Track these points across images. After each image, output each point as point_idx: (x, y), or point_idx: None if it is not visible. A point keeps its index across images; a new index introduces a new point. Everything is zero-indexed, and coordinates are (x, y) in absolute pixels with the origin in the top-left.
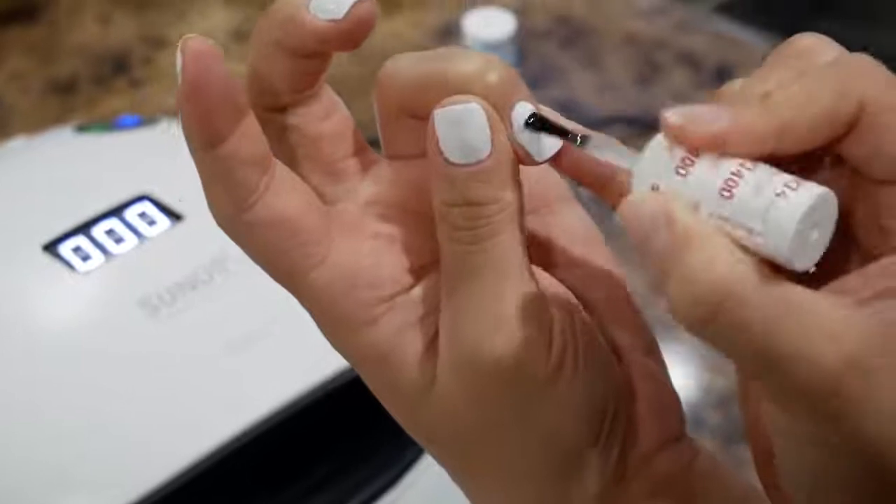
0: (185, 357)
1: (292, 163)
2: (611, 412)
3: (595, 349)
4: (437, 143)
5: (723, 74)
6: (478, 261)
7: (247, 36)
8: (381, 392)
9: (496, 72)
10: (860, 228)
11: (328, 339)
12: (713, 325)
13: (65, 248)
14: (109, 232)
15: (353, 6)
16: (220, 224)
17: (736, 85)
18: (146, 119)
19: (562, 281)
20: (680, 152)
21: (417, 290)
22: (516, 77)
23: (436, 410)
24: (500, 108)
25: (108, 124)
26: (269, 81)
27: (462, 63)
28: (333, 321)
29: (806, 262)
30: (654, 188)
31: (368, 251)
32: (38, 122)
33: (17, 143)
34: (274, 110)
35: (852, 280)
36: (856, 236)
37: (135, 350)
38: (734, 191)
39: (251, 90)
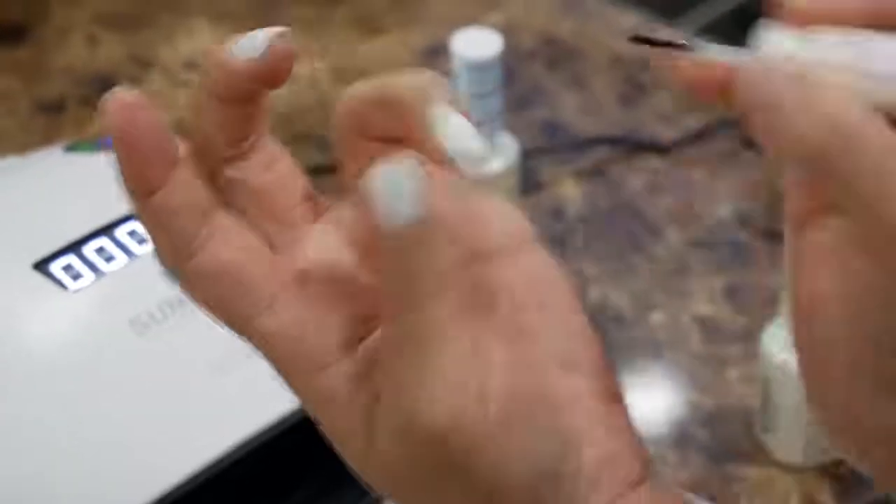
0: (175, 375)
1: (240, 214)
2: (555, 467)
3: (539, 408)
4: (375, 205)
5: None
6: (414, 325)
7: None
8: (329, 437)
9: (425, 75)
10: None
11: (284, 382)
12: (829, 160)
13: (55, 267)
14: (100, 250)
15: (270, 44)
16: (167, 275)
17: None
18: None
19: (519, 329)
20: (797, 36)
21: (365, 344)
22: (441, 80)
23: (377, 466)
24: (428, 111)
25: (97, 144)
26: (208, 134)
27: (400, 77)
28: (282, 368)
29: None
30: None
31: (317, 302)
32: (25, 143)
33: (7, 163)
34: (216, 164)
35: None
36: None
37: (124, 368)
38: (863, 55)
39: (194, 145)
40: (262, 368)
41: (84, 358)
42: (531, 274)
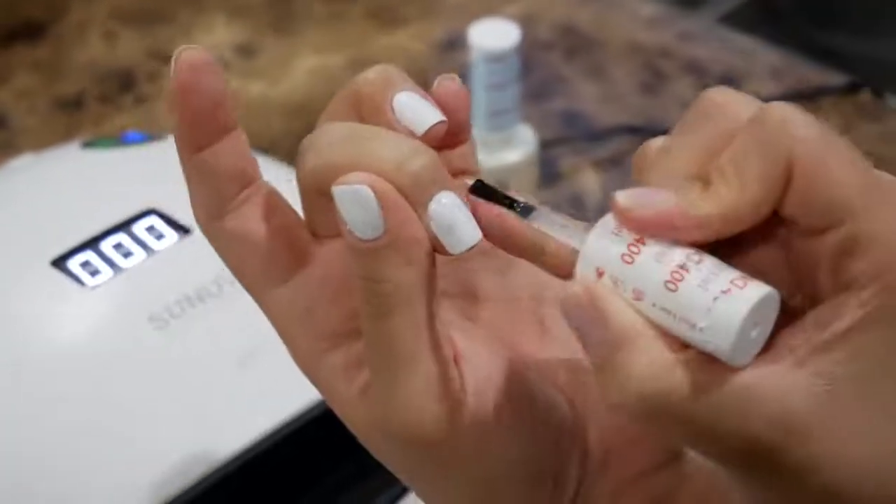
0: (194, 370)
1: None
2: (553, 462)
3: (527, 408)
4: (340, 214)
5: (727, 83)
6: (378, 337)
7: (252, 51)
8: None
9: (417, 161)
10: (800, 280)
11: (291, 356)
12: (648, 425)
13: (73, 263)
14: (118, 246)
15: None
16: (198, 225)
17: (656, 144)
18: (152, 135)
19: (500, 327)
20: (628, 235)
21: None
22: (438, 166)
23: (378, 450)
24: (417, 198)
25: (115, 140)
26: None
27: (381, 149)
28: (287, 341)
29: (745, 358)
30: (599, 273)
31: (331, 288)
32: (44, 140)
33: (25, 160)
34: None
35: (793, 335)
36: (798, 289)
37: (144, 363)
38: (679, 284)
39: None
40: (281, 362)
41: (103, 354)
42: (525, 279)
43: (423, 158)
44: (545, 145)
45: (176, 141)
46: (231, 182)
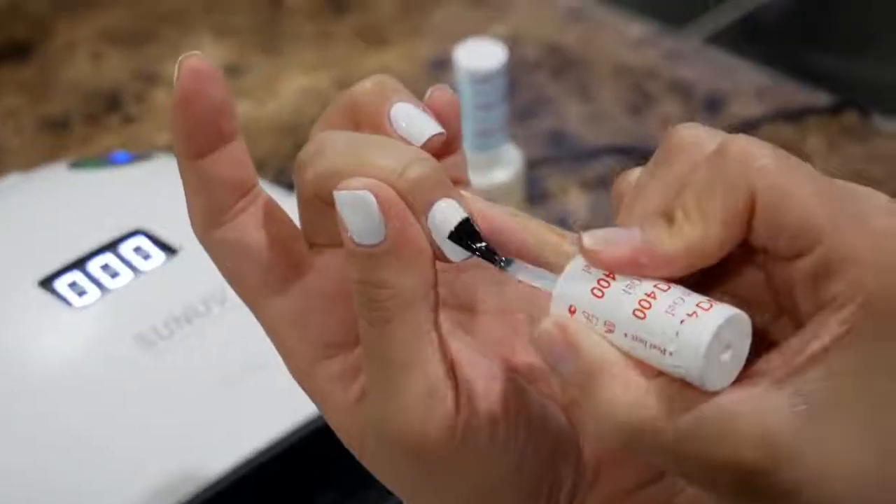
0: (182, 390)
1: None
2: (547, 473)
3: (523, 419)
4: (341, 219)
5: (713, 103)
6: (376, 343)
7: (239, 71)
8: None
9: (417, 168)
10: (778, 304)
11: (285, 366)
12: (628, 452)
13: (60, 284)
14: (105, 267)
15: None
16: (195, 233)
17: (633, 175)
18: (138, 155)
19: (495, 338)
20: (598, 273)
21: (359, 350)
22: (439, 172)
23: (369, 460)
24: (418, 205)
25: (102, 160)
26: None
27: (381, 156)
28: (283, 351)
29: (719, 382)
30: (572, 310)
31: (327, 298)
32: (31, 160)
33: (12, 180)
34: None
35: (772, 359)
36: (776, 313)
37: (131, 384)
38: (647, 312)
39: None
40: (269, 382)
41: (90, 375)
42: (518, 287)
43: (424, 165)
44: (531, 165)
45: (175, 148)
46: (230, 191)
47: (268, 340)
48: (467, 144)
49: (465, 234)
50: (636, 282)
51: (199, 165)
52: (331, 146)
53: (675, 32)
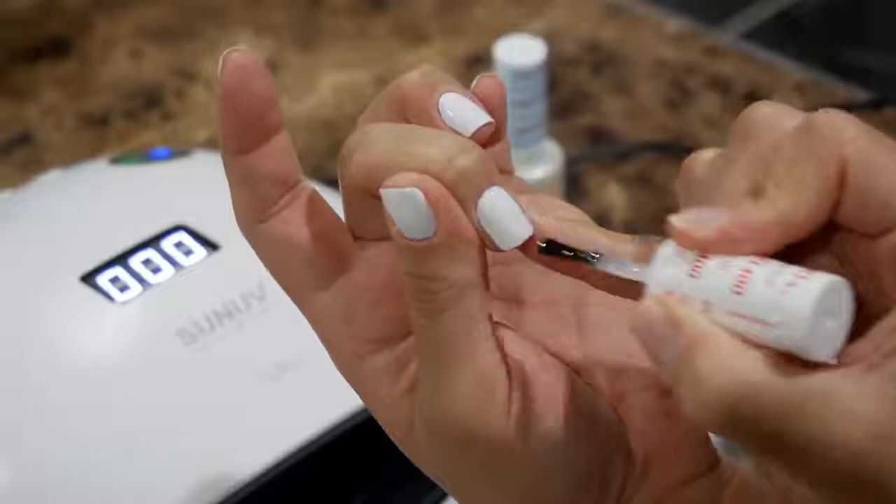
0: (223, 385)
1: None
2: (597, 467)
3: (572, 411)
4: (389, 216)
5: (752, 98)
6: (430, 333)
7: (277, 67)
8: (378, 420)
9: (465, 158)
10: (864, 288)
11: (331, 359)
12: (729, 427)
13: (102, 279)
14: (146, 262)
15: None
16: (240, 228)
17: (704, 157)
18: (178, 151)
19: (542, 331)
20: (690, 256)
21: (408, 341)
22: (487, 162)
23: (418, 452)
24: (466, 195)
25: (142, 156)
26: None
27: (428, 147)
28: (329, 345)
29: (825, 351)
30: (667, 293)
31: (374, 293)
32: (71, 156)
33: (53, 176)
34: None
35: (863, 344)
36: (863, 298)
37: (173, 378)
38: (745, 286)
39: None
40: (310, 376)
41: (133, 370)
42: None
43: (471, 155)
44: (571, 161)
45: (222, 143)
46: (275, 185)
47: (307, 337)
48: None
49: (550, 245)
50: (729, 259)
51: (245, 160)
52: (375, 138)
53: (713, 28)
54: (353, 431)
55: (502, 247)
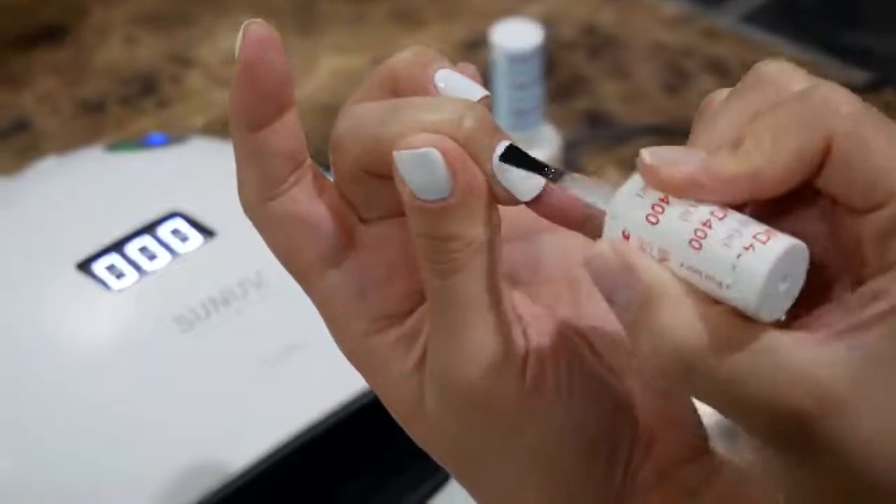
0: (220, 372)
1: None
2: (607, 435)
3: (582, 375)
4: (402, 179)
5: None
6: (446, 293)
7: None
8: (382, 400)
9: (473, 115)
10: (842, 258)
11: (335, 340)
12: (681, 381)
13: (98, 267)
14: (143, 249)
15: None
16: (245, 208)
17: (721, 95)
18: (174, 137)
19: (552, 305)
20: (653, 196)
21: (415, 314)
22: (490, 118)
23: (427, 426)
24: (480, 153)
25: (137, 143)
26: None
27: (433, 113)
28: (337, 325)
29: (774, 313)
30: (625, 236)
31: (383, 269)
32: (67, 143)
33: (48, 163)
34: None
35: (831, 312)
36: (839, 267)
37: (170, 365)
38: (703, 242)
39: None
40: (308, 363)
41: (130, 357)
42: (568, 248)
43: (478, 112)
44: (568, 145)
45: (233, 119)
46: (285, 162)
47: (304, 324)
48: (503, 124)
49: (513, 156)
50: (692, 209)
51: (258, 137)
52: (371, 116)
53: (713, 10)
54: (351, 418)
55: (523, 198)
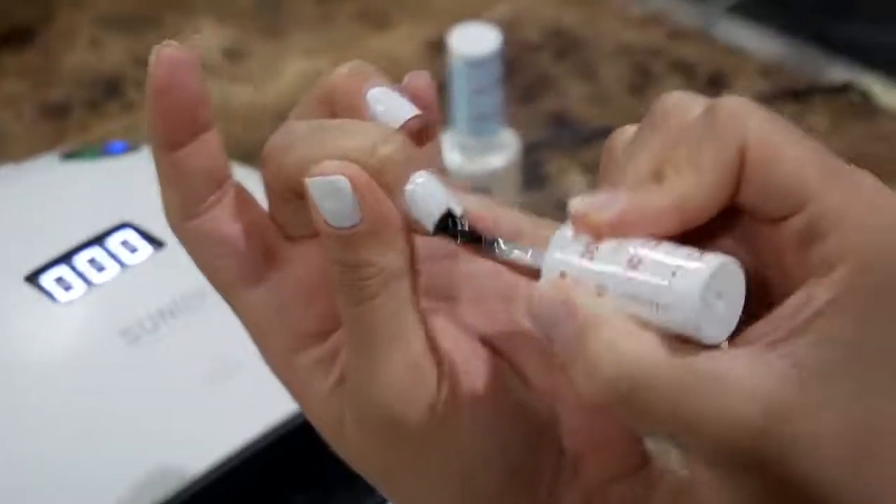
0: (166, 384)
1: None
2: (529, 457)
3: (503, 402)
4: (314, 206)
5: (716, 82)
6: (359, 319)
7: (240, 55)
8: (308, 417)
9: (388, 146)
10: (770, 272)
11: (262, 357)
12: (622, 406)
13: (47, 279)
14: (91, 261)
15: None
16: (170, 226)
17: (625, 135)
18: (134, 145)
19: (473, 326)
20: (586, 238)
21: (335, 335)
22: (409, 149)
23: (348, 447)
24: (392, 182)
25: (96, 150)
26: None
27: (349, 139)
28: (260, 342)
29: (716, 333)
30: (562, 276)
31: (304, 288)
32: (31, 147)
33: (3, 172)
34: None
35: (763, 326)
36: (767, 282)
37: (117, 379)
38: (638, 268)
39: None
40: (254, 377)
41: (75, 370)
42: (491, 269)
43: (394, 143)
44: (532, 147)
45: (151, 139)
46: (205, 182)
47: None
48: (463, 129)
49: (449, 222)
50: (624, 241)
51: (176, 157)
52: (295, 136)
53: (701, 1)
54: (298, 430)
55: (432, 230)
